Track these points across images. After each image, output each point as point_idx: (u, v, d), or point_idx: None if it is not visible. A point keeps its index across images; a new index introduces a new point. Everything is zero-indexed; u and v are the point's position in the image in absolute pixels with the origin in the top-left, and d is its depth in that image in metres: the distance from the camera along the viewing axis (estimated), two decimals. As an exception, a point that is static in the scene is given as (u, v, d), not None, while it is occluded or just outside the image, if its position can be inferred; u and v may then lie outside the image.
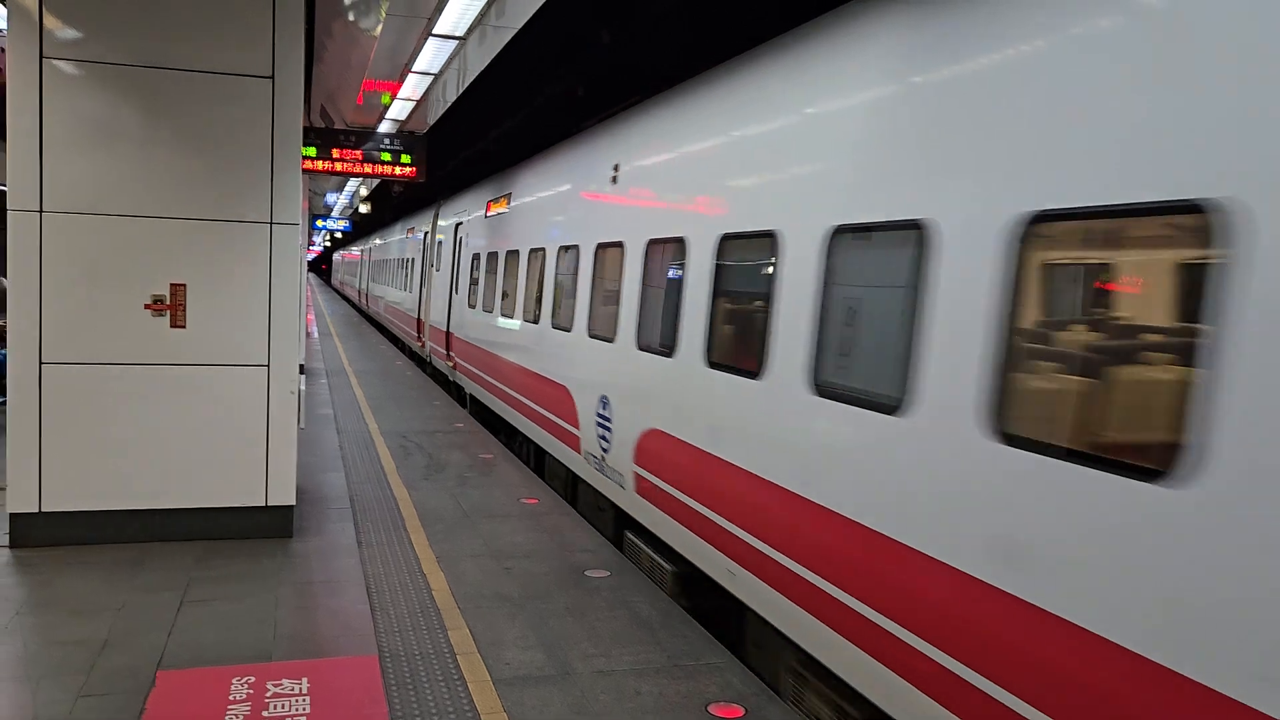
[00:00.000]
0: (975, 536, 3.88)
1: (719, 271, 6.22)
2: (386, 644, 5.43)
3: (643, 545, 7.54)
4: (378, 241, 32.94)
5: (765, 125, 5.92)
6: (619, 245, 8.17)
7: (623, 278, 7.99)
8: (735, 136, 6.30)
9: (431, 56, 9.21)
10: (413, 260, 22.44)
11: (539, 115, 16.73)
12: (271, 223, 7.09)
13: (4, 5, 9.65)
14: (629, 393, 7.67)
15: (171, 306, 6.92)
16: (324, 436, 11.48)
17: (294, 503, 7.35)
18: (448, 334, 16.38)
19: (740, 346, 5.96)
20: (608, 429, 8.02)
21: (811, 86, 5.52)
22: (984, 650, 3.81)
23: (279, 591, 6.17)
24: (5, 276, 10.93)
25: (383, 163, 13.39)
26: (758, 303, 5.67)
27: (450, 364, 16.21)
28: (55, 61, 6.63)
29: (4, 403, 12.17)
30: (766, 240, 5.59)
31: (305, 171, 11.53)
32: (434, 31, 8.24)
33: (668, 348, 6.85)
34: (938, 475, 4.11)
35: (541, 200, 11.31)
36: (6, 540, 6.75)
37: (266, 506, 7.23)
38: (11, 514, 6.74)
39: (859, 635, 4.50)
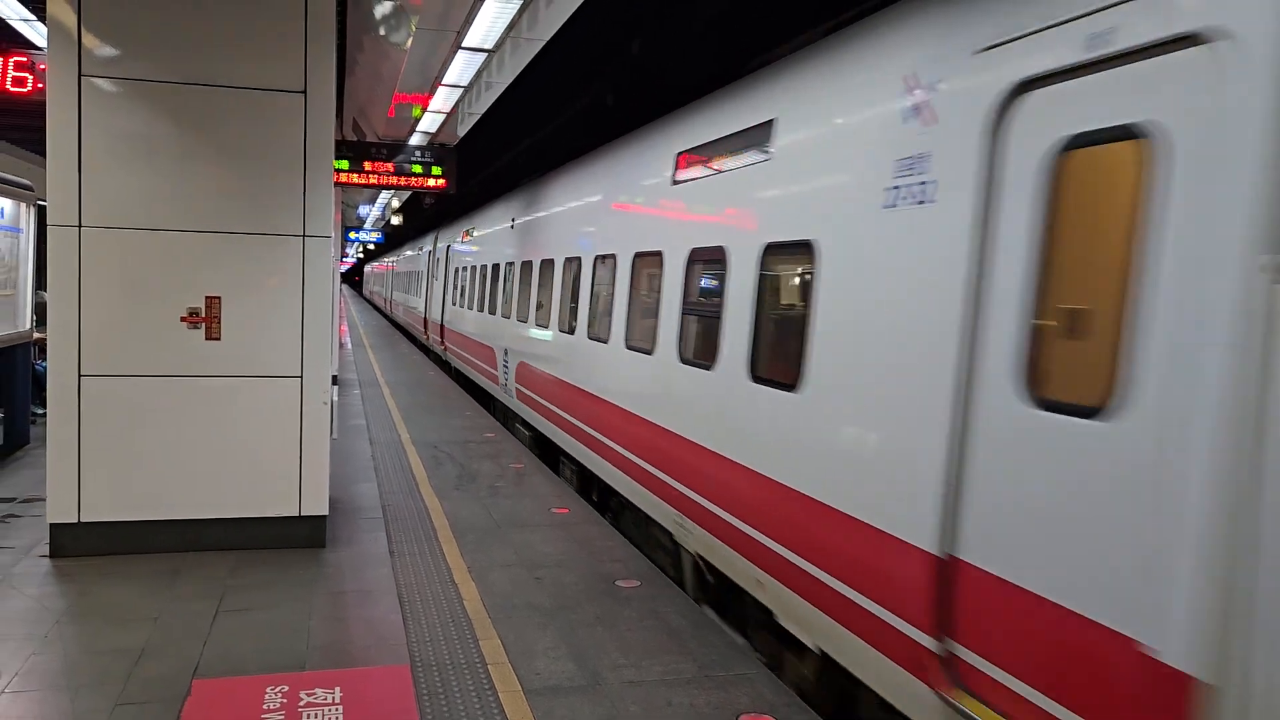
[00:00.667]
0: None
1: (540, 279, 12.11)
2: (418, 653, 5.46)
3: (520, 427, 13.64)
4: (399, 256, 39.84)
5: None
6: (513, 264, 14.08)
7: (513, 283, 13.85)
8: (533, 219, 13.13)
9: (461, 69, 9.29)
10: (421, 273, 28.54)
11: (569, 125, 16.81)
12: (304, 235, 7.17)
13: (44, 24, 9.86)
14: (512, 344, 13.67)
15: (206, 319, 7.02)
16: (357, 447, 11.57)
17: (327, 513, 7.41)
18: (442, 326, 22.55)
19: (541, 313, 11.79)
20: (506, 367, 13.93)
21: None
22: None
23: (312, 601, 6.22)
24: (43, 290, 11.15)
25: (414, 175, 13.47)
26: (532, 293, 12.27)
27: (443, 348, 22.47)
28: (93, 79, 6.75)
29: (43, 415, 12.38)
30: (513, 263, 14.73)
31: (337, 184, 11.66)
32: (464, 44, 8.30)
33: (525, 320, 12.78)
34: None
35: (483, 234, 17.60)
36: (47, 550, 6.86)
37: (300, 517, 7.29)
38: (51, 524, 6.85)
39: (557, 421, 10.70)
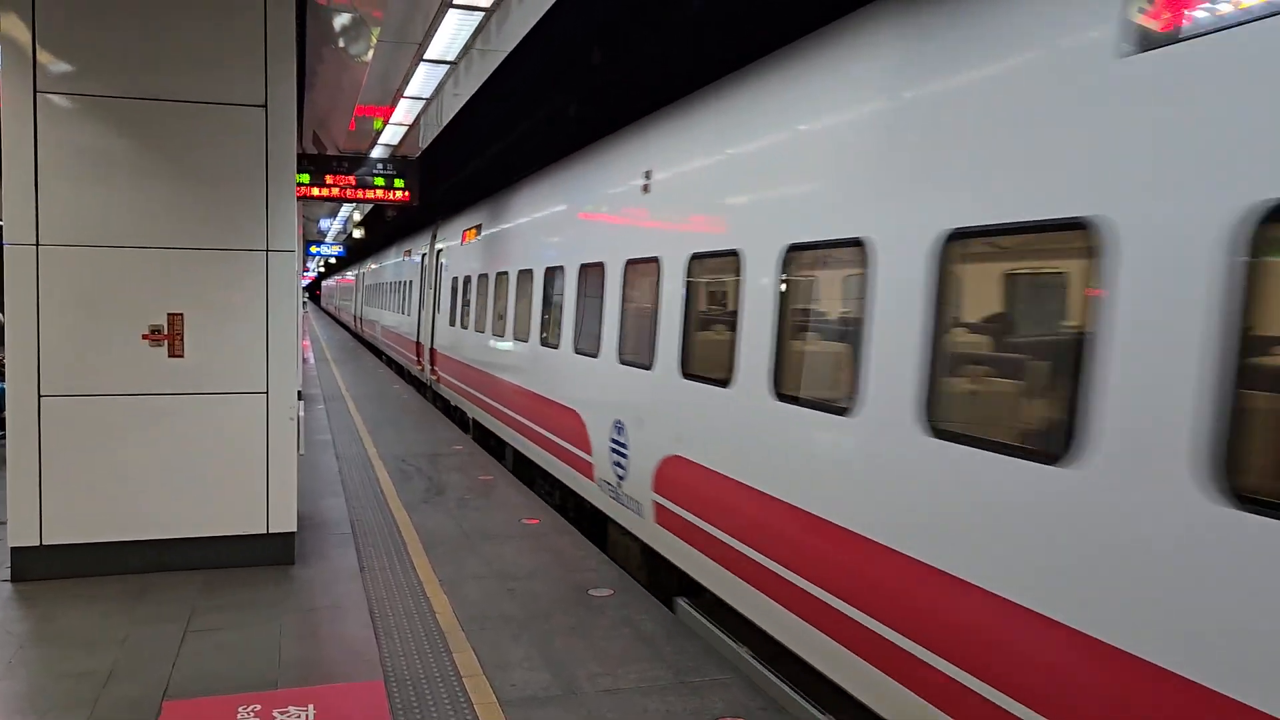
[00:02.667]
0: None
1: (382, 293, 30.94)
2: (392, 668, 5.43)
3: (380, 361, 29.42)
4: (341, 280, 60.84)
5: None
6: (379, 285, 31.87)
7: (378, 295, 31.48)
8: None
9: (423, 81, 9.26)
10: (352, 288, 46.19)
11: (531, 135, 16.83)
12: (268, 250, 7.12)
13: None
14: (379, 319, 30.17)
15: (169, 336, 6.94)
16: (323, 462, 11.47)
17: (295, 529, 7.34)
18: (362, 319, 38.29)
19: (385, 304, 28.88)
20: (376, 329, 31.42)
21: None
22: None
23: (283, 619, 6.16)
24: (0, 311, 10.94)
25: (376, 187, 13.40)
26: (384, 298, 30.84)
27: (360, 330, 39.03)
28: (49, 96, 6.66)
29: (3, 437, 12.15)
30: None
31: (299, 198, 11.57)
32: (425, 57, 8.29)
33: (382, 308, 29.41)
34: None
35: (371, 268, 35.84)
36: (8, 574, 6.74)
37: (268, 534, 7.22)
38: (13, 548, 6.72)
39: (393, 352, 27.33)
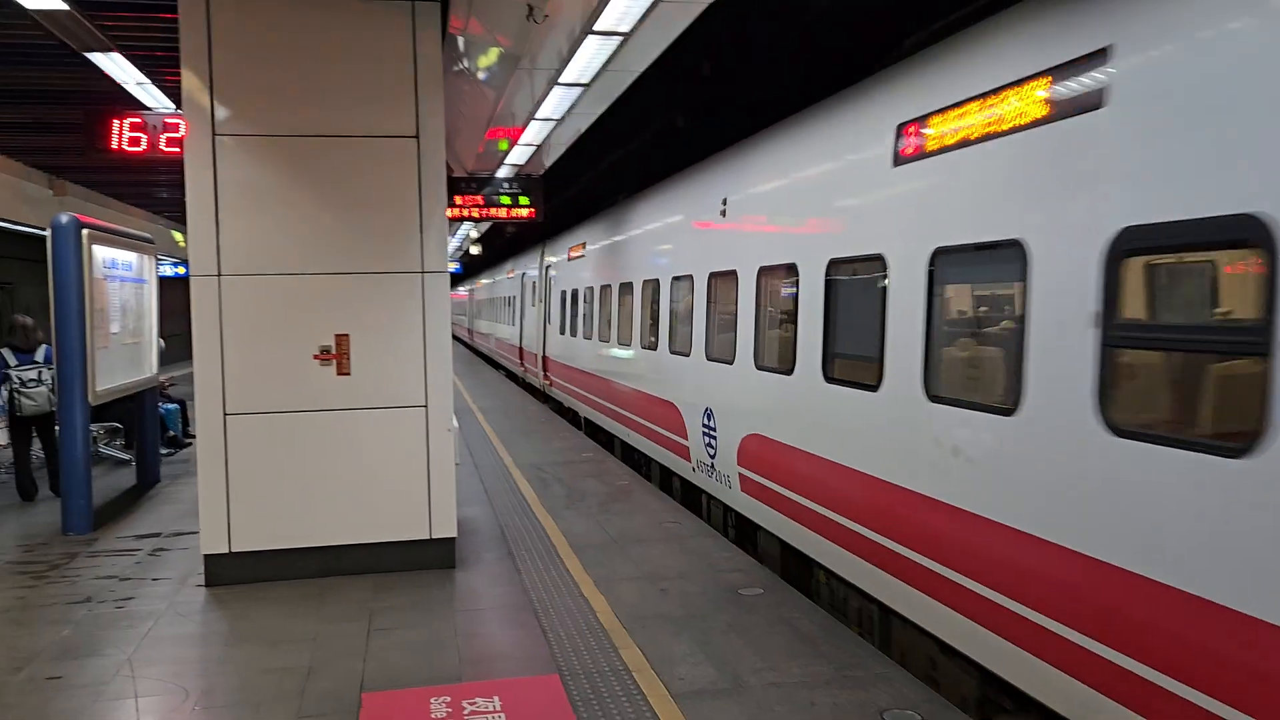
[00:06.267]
0: None
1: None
2: (563, 663, 5.73)
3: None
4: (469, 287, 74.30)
5: None
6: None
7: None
8: None
9: (556, 103, 9.61)
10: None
11: (645, 150, 17.15)
12: (423, 271, 7.55)
13: (157, 88, 10.50)
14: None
15: (337, 355, 7.42)
16: (463, 472, 11.91)
17: (455, 535, 7.75)
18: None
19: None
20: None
21: None
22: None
23: (454, 618, 6.55)
24: (160, 338, 11.78)
25: (502, 205, 13.91)
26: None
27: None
28: (225, 138, 7.23)
29: (172, 454, 13.02)
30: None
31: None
32: (560, 81, 8.62)
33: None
34: None
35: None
36: (202, 579, 7.32)
37: (431, 539, 7.64)
38: (205, 555, 7.30)
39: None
